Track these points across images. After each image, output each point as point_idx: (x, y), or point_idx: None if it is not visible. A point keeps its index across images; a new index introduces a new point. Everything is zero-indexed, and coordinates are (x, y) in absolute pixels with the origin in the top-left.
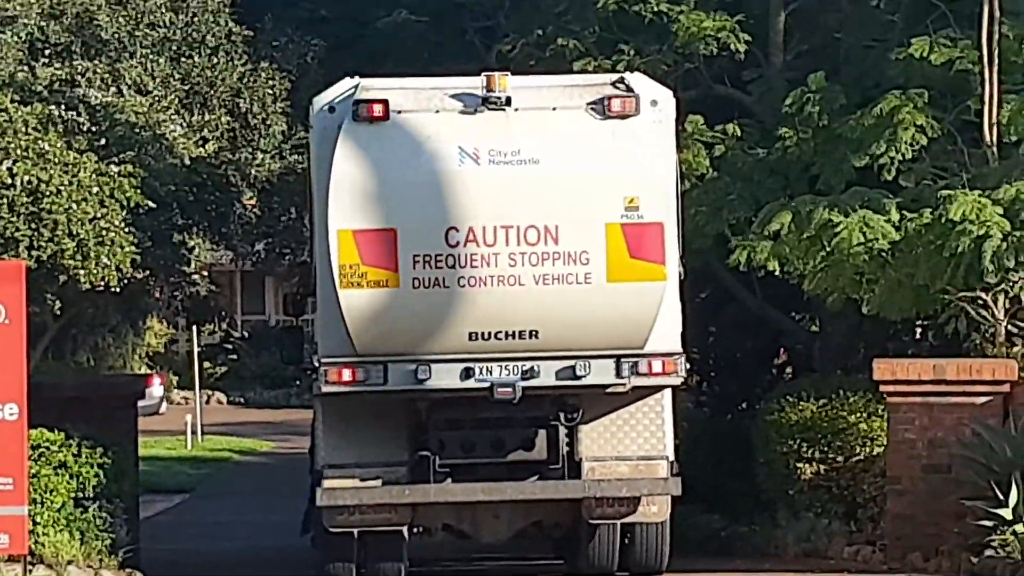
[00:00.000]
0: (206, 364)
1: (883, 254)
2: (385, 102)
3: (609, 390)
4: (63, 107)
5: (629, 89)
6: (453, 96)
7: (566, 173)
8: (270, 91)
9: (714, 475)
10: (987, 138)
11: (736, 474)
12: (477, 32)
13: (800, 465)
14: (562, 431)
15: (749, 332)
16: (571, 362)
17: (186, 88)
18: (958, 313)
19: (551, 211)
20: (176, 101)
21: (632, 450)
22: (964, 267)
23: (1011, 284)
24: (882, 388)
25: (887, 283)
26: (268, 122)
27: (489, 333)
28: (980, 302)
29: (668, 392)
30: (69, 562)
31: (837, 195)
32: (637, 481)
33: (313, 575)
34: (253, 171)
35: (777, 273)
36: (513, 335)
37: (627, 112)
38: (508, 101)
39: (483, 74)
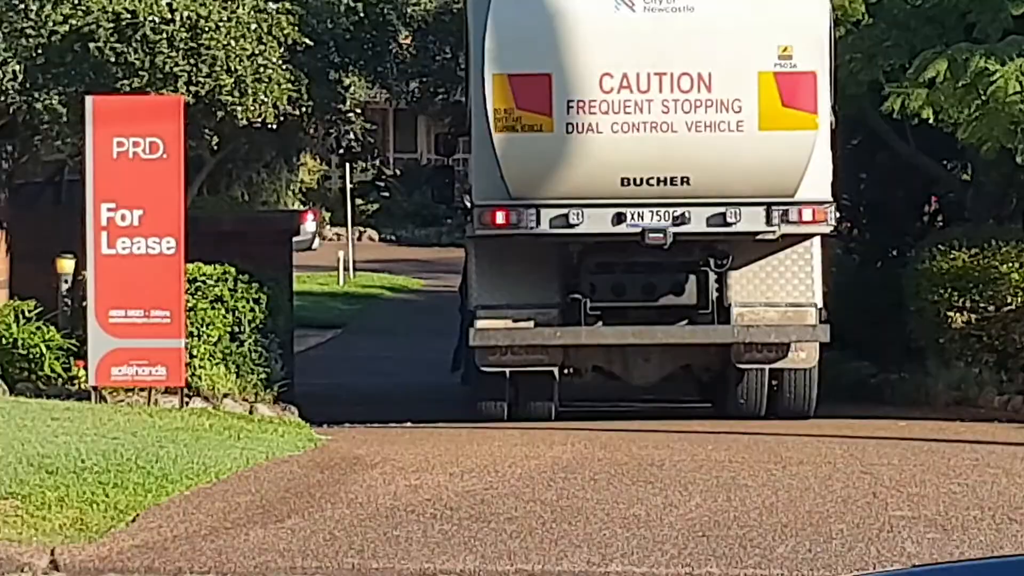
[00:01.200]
0: (358, 201)
1: None
2: None
3: (759, 237)
4: None
5: None
6: None
7: (720, 20)
8: None
9: (864, 322)
10: None
11: (886, 322)
12: None
13: (951, 314)
14: (712, 277)
15: (901, 180)
16: (722, 209)
17: None
18: None
19: (705, 58)
20: None
21: (781, 296)
22: None
23: None
24: None
25: None
26: None
27: (641, 179)
28: None
29: (817, 240)
30: (225, 395)
31: (994, 43)
32: (786, 327)
33: (463, 411)
34: (410, 9)
35: (931, 121)
36: (665, 181)
37: None
38: None
39: None
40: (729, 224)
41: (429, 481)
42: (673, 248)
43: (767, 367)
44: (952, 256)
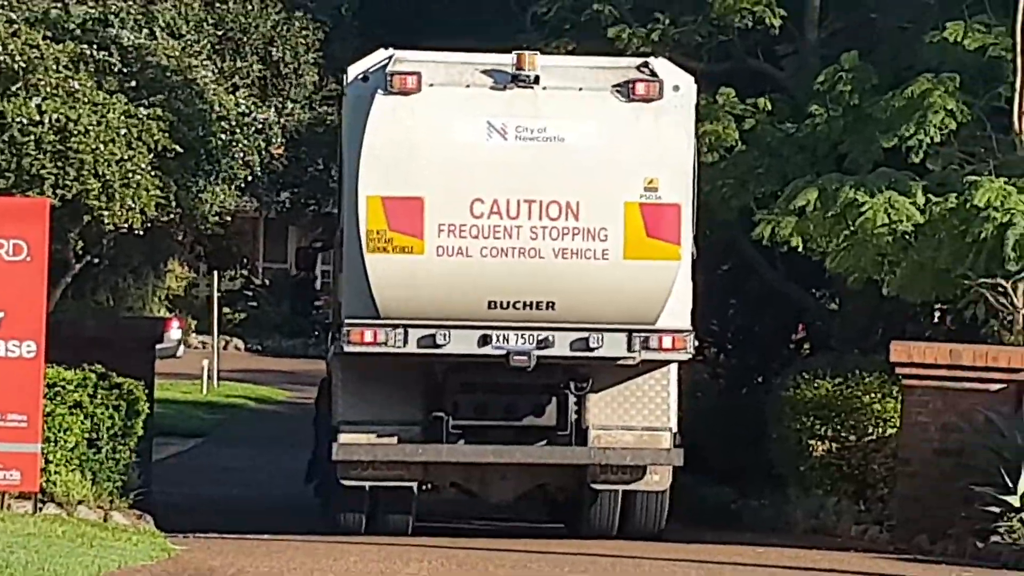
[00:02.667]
0: (225, 310)
1: (906, 236)
2: (418, 75)
3: (619, 362)
4: (95, 47)
5: (653, 73)
6: (483, 72)
7: (589, 152)
8: (303, 41)
9: (727, 448)
10: (1016, 126)
11: (749, 448)
12: None
13: (812, 442)
14: (571, 399)
15: (769, 306)
16: (585, 334)
17: (219, 34)
18: (977, 299)
19: (573, 188)
20: (208, 46)
21: (637, 420)
22: (986, 253)
23: None
24: (898, 370)
25: (909, 265)
26: (300, 72)
27: (508, 302)
28: (1000, 289)
29: (675, 366)
30: (80, 502)
31: (864, 175)
32: (642, 451)
33: (322, 524)
34: (283, 120)
35: (800, 249)
36: (531, 305)
37: (650, 96)
38: (536, 79)
39: (513, 52)
40: (592, 349)
41: None
42: (535, 370)
43: (621, 488)
44: (816, 384)
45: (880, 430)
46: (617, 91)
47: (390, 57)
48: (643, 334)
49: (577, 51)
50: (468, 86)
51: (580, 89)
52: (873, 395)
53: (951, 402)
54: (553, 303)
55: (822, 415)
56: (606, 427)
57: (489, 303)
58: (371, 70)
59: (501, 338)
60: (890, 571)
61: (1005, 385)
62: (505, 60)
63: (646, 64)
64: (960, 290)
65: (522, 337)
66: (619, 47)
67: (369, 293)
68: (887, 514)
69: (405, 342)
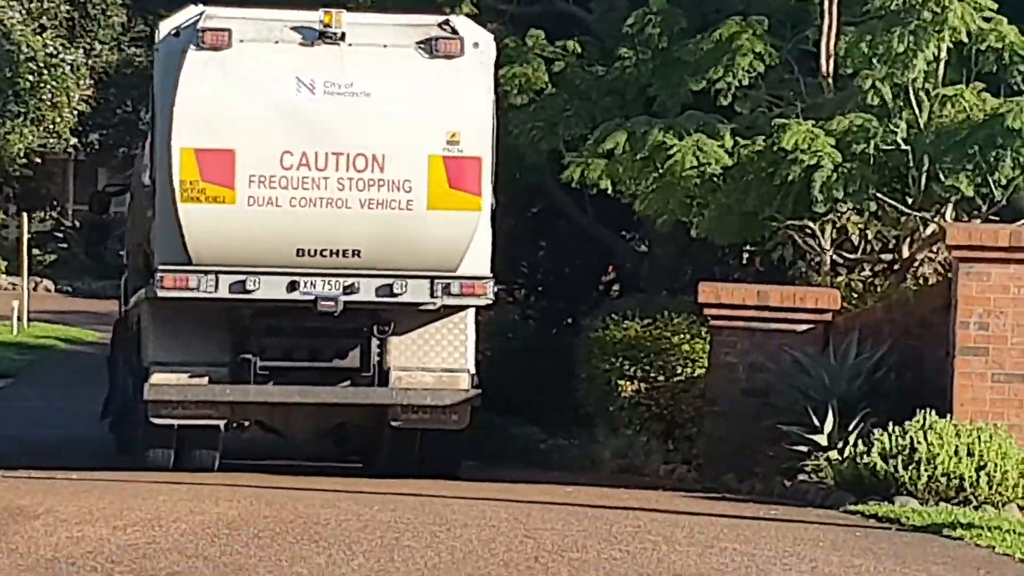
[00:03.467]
0: (35, 251)
1: (715, 179)
2: (228, 31)
3: (421, 307)
4: None
5: (455, 31)
6: (292, 28)
7: (394, 106)
8: None
9: (536, 388)
10: (823, 69)
11: (558, 388)
12: None
13: (621, 383)
14: (374, 342)
15: (578, 249)
16: (390, 281)
17: None
18: (785, 241)
19: (379, 141)
20: None
21: (436, 363)
22: (793, 196)
23: (838, 215)
24: (706, 311)
25: (717, 208)
26: (108, 13)
27: (315, 250)
28: (807, 231)
29: (472, 311)
30: None
31: (673, 118)
32: (441, 391)
33: (131, 462)
34: (91, 61)
35: (609, 192)
36: (338, 253)
37: (452, 53)
38: (343, 36)
39: (321, 9)
40: (396, 295)
41: (91, 534)
42: (341, 315)
43: (421, 427)
44: (625, 326)
45: (689, 370)
46: (421, 48)
47: (201, 14)
48: (445, 281)
49: (387, 3)
50: (277, 42)
51: (385, 46)
52: (682, 336)
53: (759, 342)
54: (359, 251)
55: (631, 355)
56: (406, 368)
57: (298, 251)
58: (183, 26)
59: (309, 284)
60: (697, 509)
61: (812, 326)
62: (313, 17)
63: (447, 22)
64: (768, 232)
65: (329, 283)
66: None
67: (182, 240)
68: (695, 453)
69: (216, 287)
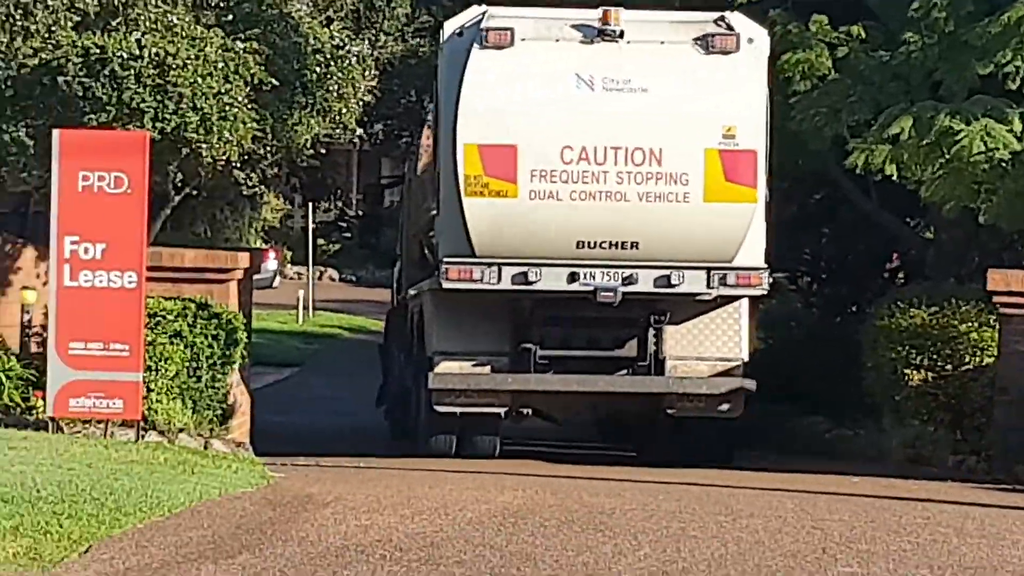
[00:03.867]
0: (320, 241)
1: (1003, 164)
2: (511, 30)
3: (696, 298)
4: None
5: (730, 27)
6: (572, 26)
7: (671, 102)
8: None
9: (820, 377)
10: None
11: (842, 377)
12: None
13: (908, 371)
14: (650, 332)
15: (862, 235)
16: (667, 271)
17: None
18: None
19: (656, 135)
20: None
21: (711, 352)
22: None
23: None
24: (995, 299)
25: (1006, 193)
26: (393, 4)
27: (595, 242)
28: None
29: (745, 301)
30: (180, 429)
31: (959, 102)
32: (716, 380)
33: (413, 448)
34: (376, 52)
35: (894, 178)
36: (616, 245)
37: (728, 48)
38: (621, 34)
39: (600, 7)
40: (673, 285)
41: (380, 522)
42: (619, 305)
43: (695, 416)
44: (911, 314)
45: (977, 359)
46: (697, 44)
47: (484, 13)
48: (721, 271)
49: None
50: (557, 40)
51: (662, 43)
52: (970, 324)
53: None
54: (637, 243)
55: (917, 344)
56: (682, 357)
57: (577, 243)
58: (466, 26)
59: (588, 275)
60: (988, 501)
61: None
62: (592, 15)
63: (723, 18)
64: None
65: (608, 274)
66: None
67: (466, 233)
68: (985, 444)
69: (499, 279)
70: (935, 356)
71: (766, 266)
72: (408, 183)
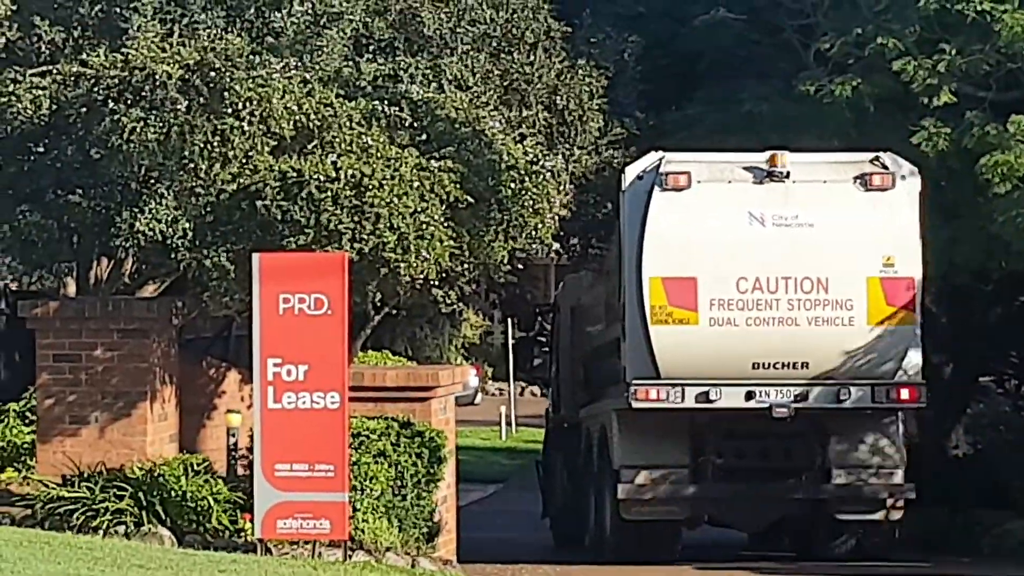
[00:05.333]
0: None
1: None
2: (688, 173)
3: (861, 411)
4: (386, 102)
5: (885, 166)
6: (743, 168)
7: (835, 235)
8: (587, 88)
9: None
10: None
11: None
12: (795, 30)
13: None
14: (818, 443)
15: None
16: (835, 388)
17: (505, 84)
18: None
19: (823, 266)
20: (495, 97)
21: (873, 460)
22: None
23: None
24: None
25: None
26: (585, 118)
27: (769, 363)
28: None
29: (899, 413)
30: (388, 548)
31: None
32: (877, 486)
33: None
34: (571, 166)
35: None
36: (788, 365)
37: (884, 186)
38: (787, 174)
39: (767, 151)
40: (841, 401)
41: None
42: (790, 420)
43: (858, 518)
44: None
45: None
46: (856, 182)
47: (661, 159)
48: (884, 387)
49: (861, 86)
50: (730, 181)
51: (824, 182)
52: None
53: None
54: (807, 363)
55: None
56: (846, 466)
57: (753, 364)
58: (646, 170)
59: (763, 393)
60: None
61: None
62: (760, 158)
63: (878, 158)
64: None
65: (781, 392)
66: (904, 80)
67: (652, 357)
68: None
69: (683, 398)
70: None
71: (923, 381)
72: (570, 311)
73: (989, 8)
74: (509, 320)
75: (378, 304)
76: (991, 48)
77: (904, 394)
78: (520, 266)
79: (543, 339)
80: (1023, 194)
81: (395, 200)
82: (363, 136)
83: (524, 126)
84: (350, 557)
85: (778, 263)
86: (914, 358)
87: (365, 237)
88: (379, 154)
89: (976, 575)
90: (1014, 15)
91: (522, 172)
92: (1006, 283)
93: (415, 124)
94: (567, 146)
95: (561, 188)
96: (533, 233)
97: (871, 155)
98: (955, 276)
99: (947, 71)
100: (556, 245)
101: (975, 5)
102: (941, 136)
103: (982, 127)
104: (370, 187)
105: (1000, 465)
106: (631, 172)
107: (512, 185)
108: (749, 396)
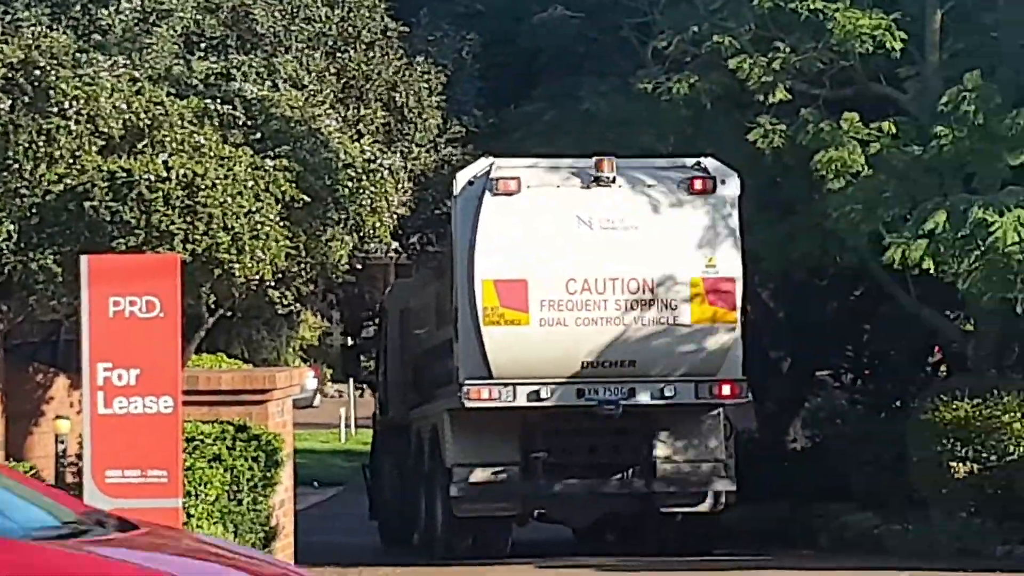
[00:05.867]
0: (360, 357)
1: None
2: (518, 179)
3: (685, 407)
4: (219, 101)
5: (706, 171)
6: (571, 174)
7: (659, 237)
8: (425, 85)
9: (867, 473)
10: None
11: (889, 472)
12: (632, 28)
13: (954, 464)
14: (644, 439)
15: (903, 330)
16: (661, 385)
17: (341, 82)
18: None
19: (648, 267)
20: (331, 95)
21: (695, 455)
22: None
23: None
24: None
25: None
26: (423, 116)
27: (598, 362)
28: None
29: (722, 409)
30: None
31: (993, 194)
32: (700, 479)
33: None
34: (409, 164)
35: (932, 271)
36: (616, 364)
37: (706, 190)
38: (614, 179)
39: (594, 158)
40: (667, 397)
41: None
42: (618, 417)
43: (682, 512)
44: (955, 407)
45: (1021, 449)
46: (679, 186)
47: (491, 164)
48: (708, 383)
49: (698, 84)
50: (559, 186)
51: (649, 186)
52: (1013, 415)
53: None
54: (634, 361)
55: (962, 437)
56: (671, 461)
57: (583, 363)
58: (477, 175)
59: (592, 391)
60: None
61: None
62: (588, 163)
63: (699, 163)
64: None
65: (609, 389)
66: (740, 77)
67: (484, 358)
68: None
69: (515, 397)
70: (980, 448)
71: (744, 377)
72: (399, 314)
73: (821, 7)
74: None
75: (212, 306)
76: (824, 46)
77: (726, 390)
78: (359, 266)
79: (371, 343)
80: (857, 189)
81: (229, 200)
82: (195, 135)
83: (362, 124)
84: None
85: (605, 265)
86: (736, 355)
87: (198, 238)
88: (212, 153)
89: (816, 567)
90: (845, 14)
91: (359, 170)
92: (841, 278)
93: (249, 123)
94: (405, 144)
95: (400, 186)
96: (371, 232)
97: (694, 160)
98: (793, 272)
99: (782, 69)
100: (395, 244)
101: (808, 4)
102: (777, 133)
103: (816, 124)
104: (203, 187)
105: (838, 458)
106: (462, 177)
107: (349, 184)
108: (579, 394)
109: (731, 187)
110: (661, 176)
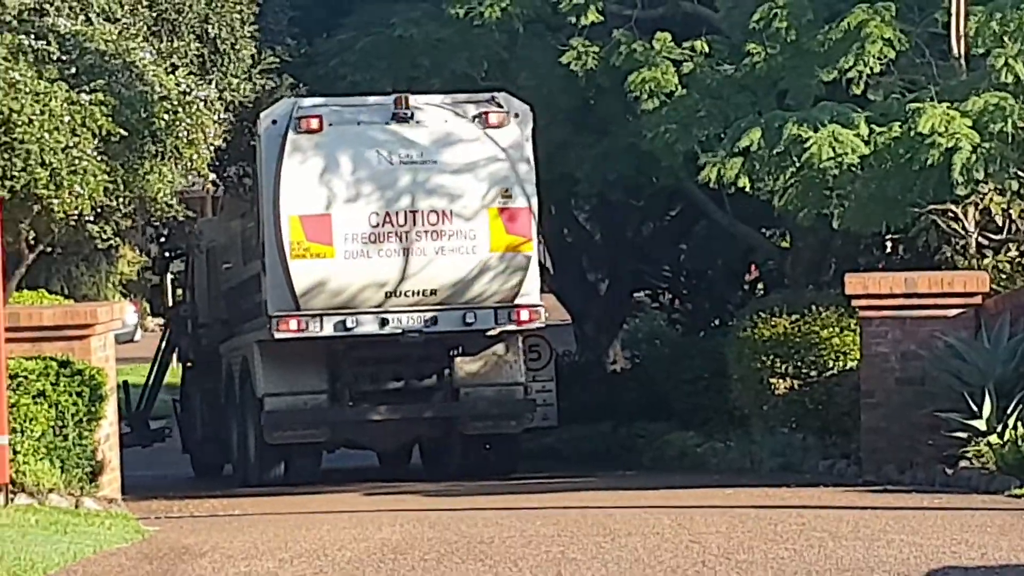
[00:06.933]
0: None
1: (853, 168)
2: (319, 117)
3: (486, 333)
4: (32, 36)
5: (500, 105)
6: (371, 111)
7: (457, 170)
8: (238, 16)
9: (688, 392)
10: (955, 50)
11: (710, 391)
12: None
13: (773, 381)
14: (446, 366)
15: (720, 249)
16: (462, 312)
17: (154, 15)
18: (929, 226)
19: (446, 200)
20: (144, 28)
21: (495, 378)
22: (934, 180)
23: (981, 196)
24: (854, 302)
25: (857, 197)
26: (237, 47)
27: (401, 292)
28: (950, 215)
29: (521, 334)
30: (50, 490)
31: (806, 110)
32: (501, 402)
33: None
34: (228, 95)
35: (747, 189)
36: (418, 293)
37: (501, 123)
38: (412, 116)
39: (393, 94)
40: (468, 324)
41: (259, 568)
42: (421, 344)
43: (485, 434)
44: (773, 323)
45: (841, 364)
46: (475, 121)
47: (294, 104)
48: (506, 310)
49: (510, 8)
50: (359, 123)
51: (446, 121)
52: (831, 329)
53: (909, 331)
54: (436, 291)
55: (781, 353)
56: (473, 385)
57: (386, 293)
58: (280, 115)
59: (396, 320)
60: (860, 503)
61: (963, 310)
62: (388, 100)
63: (494, 98)
64: (910, 219)
65: (412, 318)
66: (552, 1)
67: (291, 291)
68: (853, 447)
69: (322, 327)
70: (799, 364)
71: (542, 303)
72: (205, 252)
73: None
74: (167, 254)
75: (32, 242)
76: None
77: (524, 315)
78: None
79: (178, 280)
80: (671, 110)
81: (45, 136)
82: (10, 71)
83: (176, 57)
84: (12, 500)
85: (406, 199)
86: (533, 282)
87: (15, 174)
88: (27, 89)
89: (640, 488)
90: None
91: (175, 103)
92: (658, 198)
93: (64, 58)
94: (220, 75)
95: (216, 119)
96: (189, 165)
97: (489, 95)
98: (609, 193)
99: None
100: (213, 176)
101: None
102: (590, 55)
103: (629, 45)
104: (19, 123)
105: (658, 378)
106: (266, 118)
107: (165, 116)
108: (383, 323)
109: (524, 119)
110: (458, 111)
